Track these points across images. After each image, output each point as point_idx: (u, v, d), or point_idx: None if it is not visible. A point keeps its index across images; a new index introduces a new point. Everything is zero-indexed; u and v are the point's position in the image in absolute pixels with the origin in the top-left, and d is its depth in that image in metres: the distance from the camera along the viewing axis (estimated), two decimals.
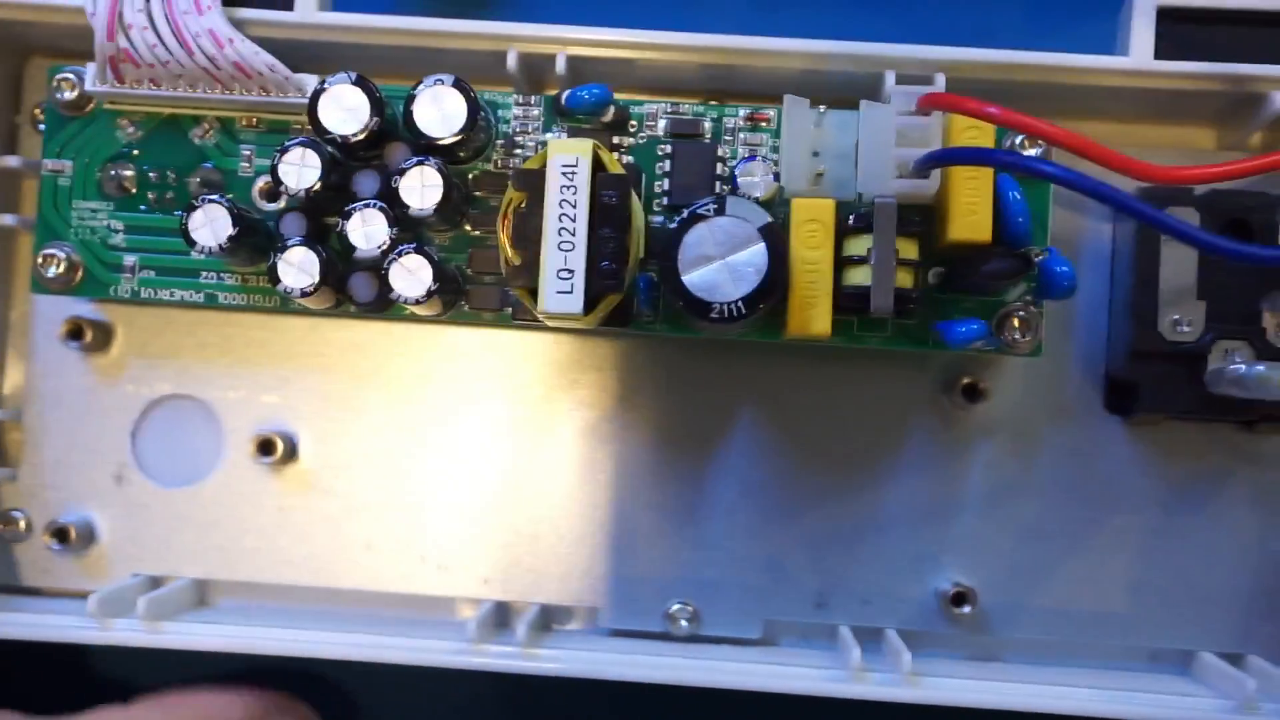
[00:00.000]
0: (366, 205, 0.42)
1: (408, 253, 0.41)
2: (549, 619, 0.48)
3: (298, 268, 0.42)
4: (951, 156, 0.39)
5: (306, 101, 0.43)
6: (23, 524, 0.48)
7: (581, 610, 0.48)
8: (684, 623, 0.47)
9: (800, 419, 0.47)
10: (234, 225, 0.42)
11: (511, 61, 0.44)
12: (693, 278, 0.39)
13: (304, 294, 0.42)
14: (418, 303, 0.42)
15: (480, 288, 0.44)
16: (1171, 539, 0.47)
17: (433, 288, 0.41)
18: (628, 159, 0.44)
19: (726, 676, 0.44)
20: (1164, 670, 0.47)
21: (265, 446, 0.47)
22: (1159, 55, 0.44)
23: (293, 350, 0.48)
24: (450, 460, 0.47)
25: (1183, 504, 0.47)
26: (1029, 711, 0.43)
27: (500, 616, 0.47)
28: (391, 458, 0.47)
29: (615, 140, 0.44)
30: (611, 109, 0.44)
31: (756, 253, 0.39)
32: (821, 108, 0.42)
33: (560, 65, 0.44)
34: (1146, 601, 0.47)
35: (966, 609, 0.46)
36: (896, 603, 0.47)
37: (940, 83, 0.43)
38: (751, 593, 0.47)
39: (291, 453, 0.47)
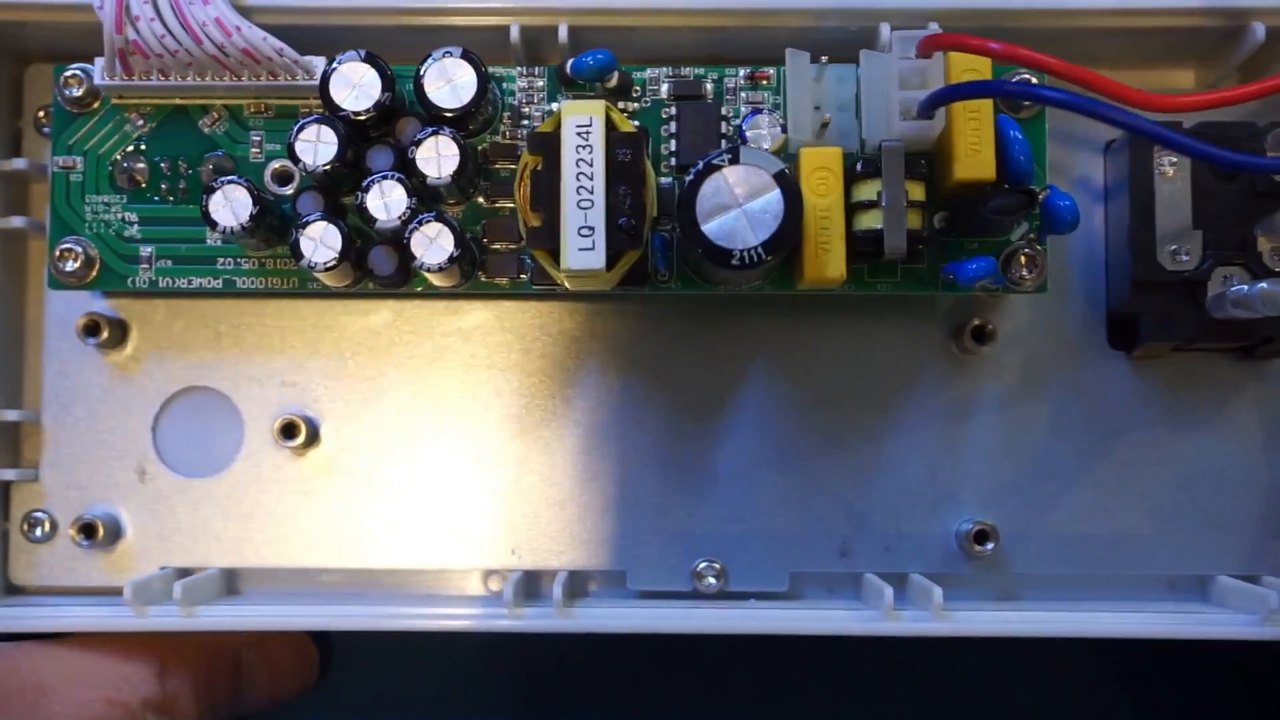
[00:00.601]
0: (385, 177, 0.42)
1: (428, 221, 0.42)
2: (578, 585, 0.48)
3: (319, 241, 0.42)
4: (956, 92, 0.40)
5: (315, 84, 0.44)
6: (47, 524, 0.48)
7: (609, 575, 0.48)
8: (711, 580, 0.47)
9: (812, 372, 0.48)
10: (254, 205, 0.42)
11: (514, 34, 0.45)
12: (711, 226, 0.40)
13: (326, 268, 0.42)
14: (440, 270, 0.42)
15: (497, 256, 0.45)
16: (1181, 467, 0.48)
17: (455, 253, 0.42)
18: (635, 123, 0.45)
19: (759, 623, 0.44)
20: (1183, 597, 0.48)
21: (288, 430, 0.47)
22: None
23: (308, 336, 0.48)
24: (470, 435, 0.48)
25: (1190, 433, 0.48)
26: (1060, 637, 0.44)
27: (530, 587, 0.48)
28: (412, 436, 0.48)
29: (620, 106, 0.45)
30: (615, 74, 0.45)
31: (773, 199, 0.40)
32: (824, 58, 0.43)
33: (562, 35, 0.45)
34: (1161, 529, 0.48)
35: (989, 546, 0.47)
36: (918, 547, 0.48)
37: (934, 30, 0.44)
38: (776, 546, 0.48)
39: (313, 437, 0.48)
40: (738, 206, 0.40)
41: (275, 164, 0.45)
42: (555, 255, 0.40)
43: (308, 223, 0.42)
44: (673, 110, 0.45)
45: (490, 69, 0.45)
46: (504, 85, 0.45)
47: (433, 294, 0.46)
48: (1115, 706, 0.52)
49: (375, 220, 0.42)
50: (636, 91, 0.45)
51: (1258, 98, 0.41)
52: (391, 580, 0.48)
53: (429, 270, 0.42)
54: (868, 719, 0.52)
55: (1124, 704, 0.52)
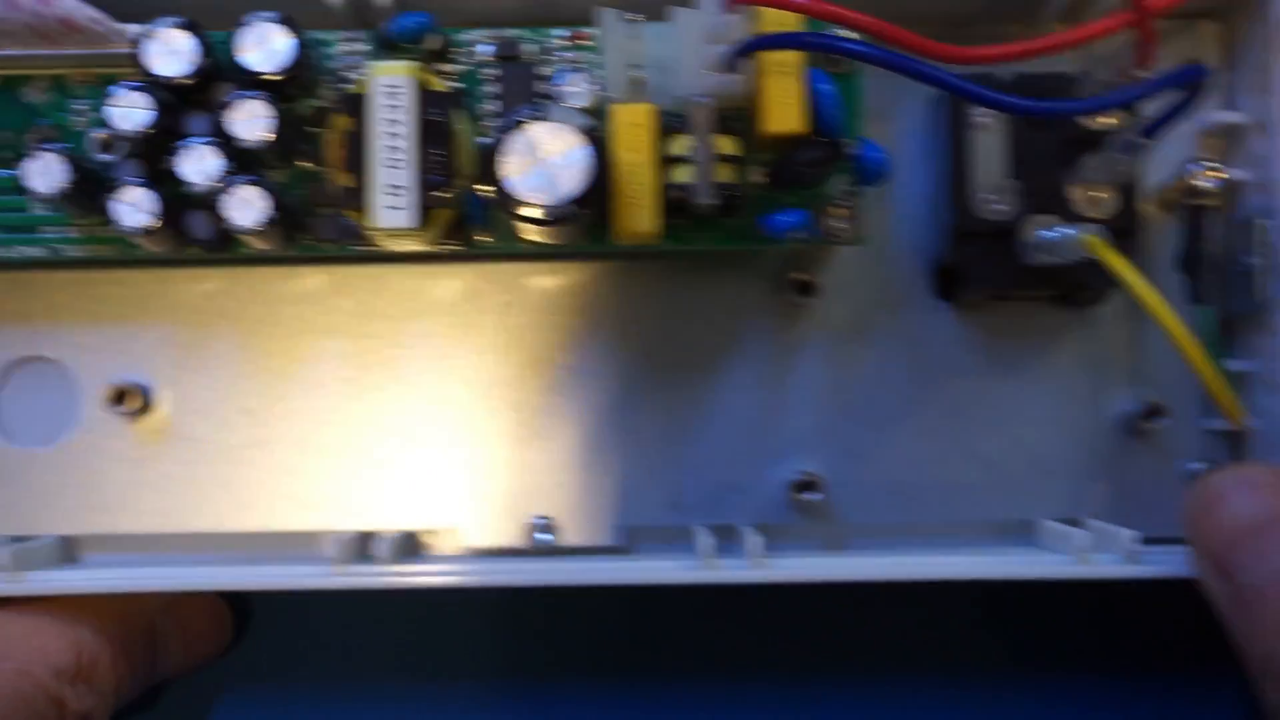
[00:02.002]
0: (199, 140, 0.43)
1: (241, 184, 0.42)
2: (414, 544, 0.49)
3: (134, 206, 0.42)
4: (758, 44, 0.41)
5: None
6: None
7: (444, 532, 0.49)
8: (544, 535, 0.48)
9: (641, 328, 0.49)
10: (71, 171, 0.43)
11: None
12: (517, 181, 0.41)
13: (144, 232, 0.42)
14: (254, 233, 0.42)
15: (321, 219, 0.45)
16: (1006, 414, 0.49)
17: (268, 215, 0.42)
18: (455, 84, 0.45)
19: (585, 575, 0.45)
20: (1011, 543, 0.49)
21: (120, 397, 0.47)
22: None
23: (143, 303, 0.48)
24: (306, 399, 0.48)
25: (1014, 380, 0.49)
26: (878, 581, 0.45)
27: (367, 546, 0.48)
28: (248, 401, 0.48)
29: (441, 68, 0.45)
30: (435, 37, 0.45)
31: (579, 153, 0.41)
32: (638, 16, 0.43)
33: None
34: (987, 476, 0.49)
35: (814, 495, 0.47)
36: (748, 498, 0.49)
37: None
38: (608, 502, 0.49)
39: (147, 404, 0.48)
40: (544, 162, 0.41)
41: (99, 133, 0.45)
42: (367, 215, 0.41)
43: (124, 187, 0.43)
44: (493, 72, 0.46)
45: (312, 34, 0.45)
46: (325, 50, 0.46)
47: (261, 258, 0.47)
48: (990, 646, 0.53)
49: (190, 184, 0.43)
50: (457, 54, 0.46)
51: (1055, 51, 0.42)
52: (230, 544, 0.49)
53: (244, 232, 0.42)
54: (736, 667, 0.53)
55: (998, 645, 0.53)
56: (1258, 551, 0.39)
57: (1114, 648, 0.54)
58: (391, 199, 0.41)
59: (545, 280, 0.49)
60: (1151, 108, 0.43)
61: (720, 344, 0.49)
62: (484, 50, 0.46)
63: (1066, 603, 0.54)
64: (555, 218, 0.41)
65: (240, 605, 0.52)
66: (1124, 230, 0.45)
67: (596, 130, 0.41)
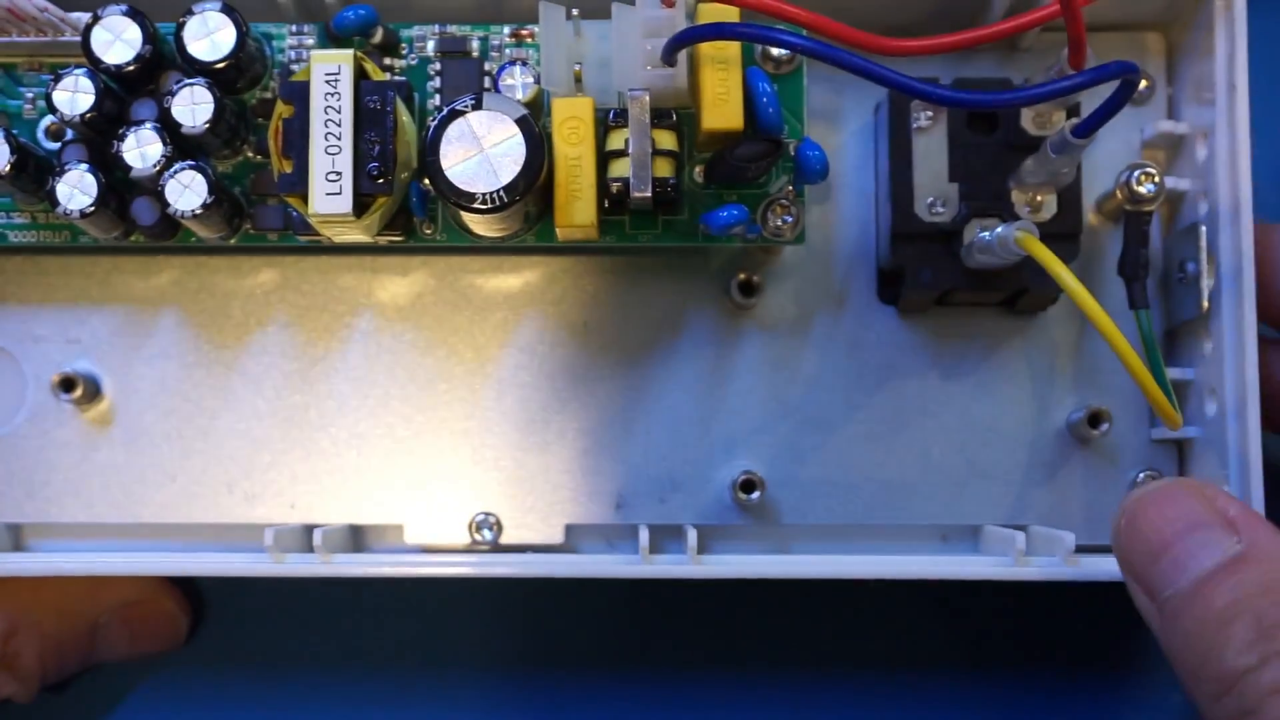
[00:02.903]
0: (141, 126, 0.43)
1: (183, 169, 0.43)
2: (359, 539, 0.49)
3: (75, 188, 0.43)
4: (691, 35, 0.41)
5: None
6: None
7: (388, 528, 0.49)
8: (487, 533, 0.48)
9: (585, 327, 0.49)
10: (11, 153, 0.43)
11: None
12: (455, 170, 0.41)
13: (83, 214, 0.43)
14: (195, 216, 0.43)
15: (264, 208, 0.46)
16: (950, 419, 0.49)
17: (208, 200, 0.43)
18: (400, 79, 0.46)
19: (524, 568, 0.45)
20: (955, 549, 0.49)
21: (66, 385, 0.48)
22: None
23: (90, 291, 0.49)
24: (252, 390, 0.49)
25: (958, 385, 0.49)
26: (817, 579, 0.45)
27: (310, 539, 0.48)
28: (194, 391, 0.49)
29: (388, 62, 0.46)
30: (380, 30, 0.45)
31: (515, 142, 0.41)
32: (574, 11, 0.44)
33: None
34: (930, 480, 0.49)
35: (755, 495, 0.47)
36: (691, 498, 0.49)
37: None
38: (552, 500, 0.49)
39: (95, 392, 0.48)
40: (481, 151, 0.41)
41: (47, 120, 0.46)
42: (307, 201, 0.41)
43: (65, 170, 0.43)
44: (438, 66, 0.46)
45: (262, 27, 0.46)
46: (274, 43, 0.46)
47: (207, 248, 0.47)
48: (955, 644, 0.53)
49: (131, 168, 0.43)
50: (404, 49, 0.46)
51: (988, 39, 0.42)
52: (175, 534, 0.49)
53: (184, 217, 0.43)
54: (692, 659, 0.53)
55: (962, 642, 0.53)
56: (1175, 563, 0.39)
57: (1057, 648, 0.53)
58: (330, 185, 0.41)
59: (491, 279, 0.49)
60: (1086, 110, 0.43)
61: (665, 344, 0.49)
62: (430, 45, 0.46)
63: (1018, 605, 0.53)
64: (495, 206, 0.41)
65: (194, 607, 0.52)
66: (1066, 234, 0.46)
67: (530, 118, 0.41)
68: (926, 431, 0.49)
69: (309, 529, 0.47)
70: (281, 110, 0.42)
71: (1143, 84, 0.49)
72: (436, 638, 0.53)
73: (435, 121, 0.41)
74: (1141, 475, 0.49)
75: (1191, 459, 0.48)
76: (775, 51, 0.45)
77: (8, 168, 0.43)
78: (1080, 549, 0.45)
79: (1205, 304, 0.46)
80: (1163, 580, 0.39)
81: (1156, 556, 0.39)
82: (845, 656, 0.53)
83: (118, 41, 0.43)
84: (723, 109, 0.43)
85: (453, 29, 0.46)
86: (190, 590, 0.52)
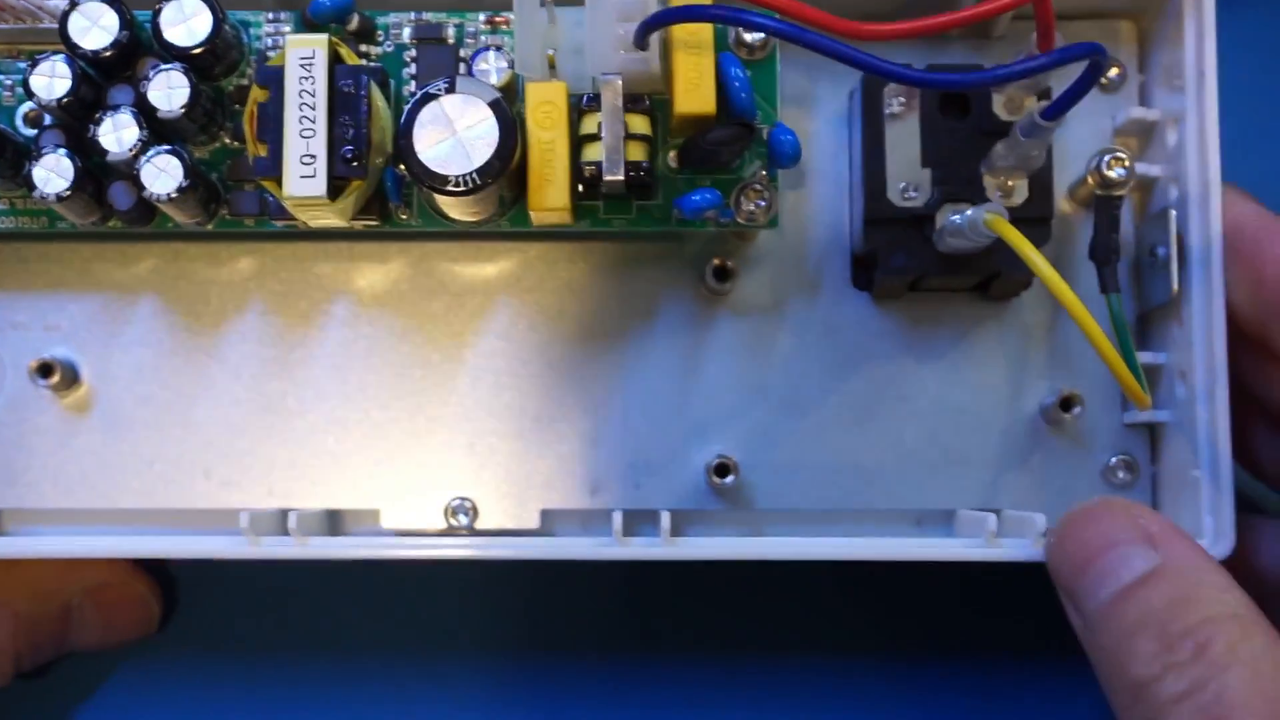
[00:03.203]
0: (117, 110, 0.43)
1: (159, 154, 0.43)
2: (336, 525, 0.49)
3: (51, 171, 0.43)
4: (664, 16, 0.41)
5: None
6: None
7: (364, 513, 0.49)
8: (463, 517, 0.48)
9: (560, 312, 0.49)
10: None
11: None
12: (428, 153, 0.41)
13: (60, 198, 0.43)
14: (171, 200, 0.43)
15: (240, 194, 0.46)
16: (923, 405, 0.49)
17: (184, 184, 0.43)
18: (375, 64, 0.46)
19: (498, 550, 0.45)
20: (928, 534, 0.49)
21: (44, 370, 0.48)
22: None
23: (68, 279, 0.49)
24: (229, 376, 0.49)
25: (931, 371, 0.49)
26: (789, 560, 0.45)
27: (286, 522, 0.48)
28: (172, 377, 0.49)
29: (364, 49, 0.46)
30: (356, 18, 0.46)
31: (488, 125, 0.42)
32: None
33: None
34: (904, 465, 0.49)
35: (730, 479, 0.48)
36: (666, 482, 0.49)
37: None
38: (527, 486, 0.49)
39: (73, 378, 0.48)
40: (454, 134, 0.42)
41: (26, 108, 0.46)
42: (281, 185, 0.42)
43: (41, 154, 0.43)
44: (414, 53, 0.46)
45: (240, 14, 0.46)
46: (251, 30, 0.46)
47: (184, 234, 0.47)
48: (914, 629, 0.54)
49: (107, 152, 0.43)
50: (380, 36, 0.46)
51: (958, 24, 0.42)
52: (152, 520, 0.49)
53: (160, 201, 0.43)
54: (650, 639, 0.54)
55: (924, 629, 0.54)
56: (1097, 577, 0.40)
57: (1031, 632, 0.54)
58: (304, 168, 0.41)
59: (467, 265, 0.49)
60: (1054, 93, 0.44)
61: (639, 329, 0.49)
62: (406, 32, 0.46)
63: (994, 589, 0.54)
64: (468, 188, 0.41)
65: (167, 593, 0.53)
66: (1037, 219, 0.46)
67: (503, 101, 0.41)
68: (900, 416, 0.49)
69: (285, 513, 0.47)
70: (257, 95, 0.42)
71: (1114, 71, 0.50)
72: (413, 623, 0.53)
73: (409, 105, 0.42)
74: (1114, 459, 0.49)
75: (1163, 443, 0.48)
76: (748, 38, 0.45)
77: None
78: None
79: (1175, 288, 0.46)
80: (1086, 595, 0.41)
81: (1081, 571, 0.41)
82: (820, 640, 0.54)
83: (95, 28, 0.44)
84: (695, 93, 0.43)
85: (428, 16, 0.46)
86: (163, 576, 0.52)
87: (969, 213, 0.43)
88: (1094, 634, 0.40)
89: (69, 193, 0.43)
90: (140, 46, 0.45)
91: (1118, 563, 0.40)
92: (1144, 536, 0.40)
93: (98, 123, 0.43)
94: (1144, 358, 0.47)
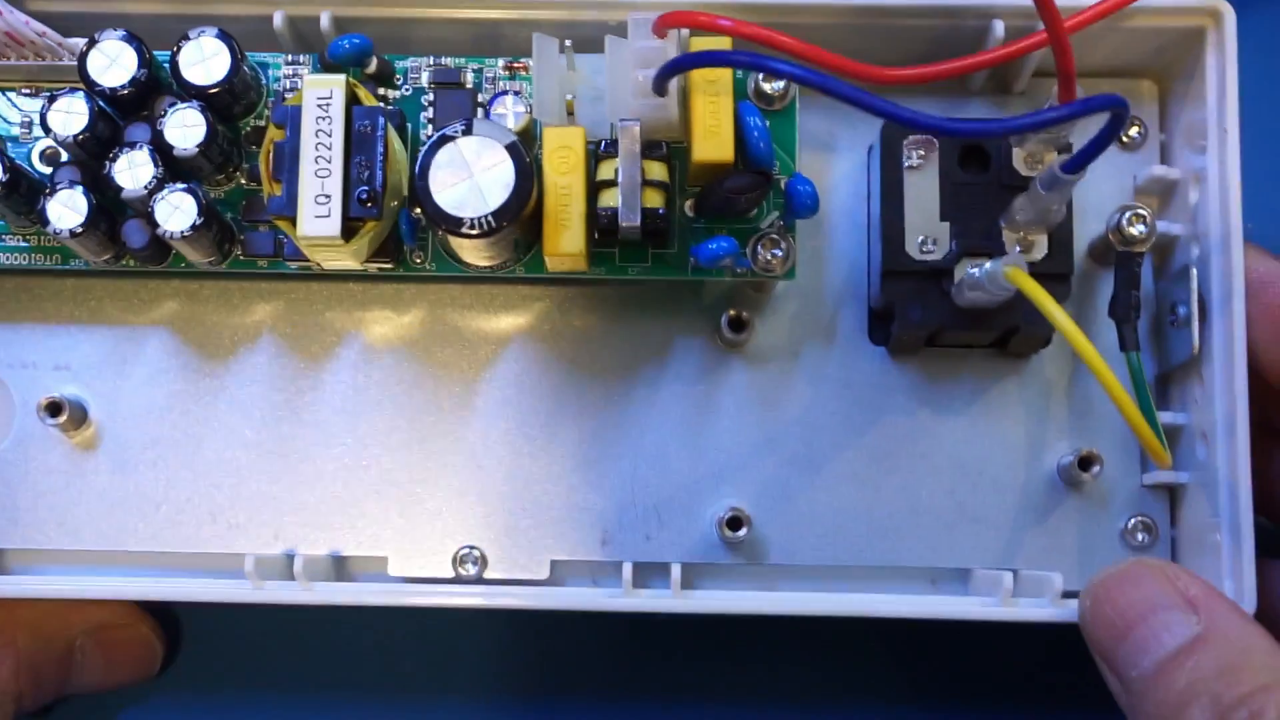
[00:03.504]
0: (134, 147, 0.43)
1: (174, 191, 0.43)
2: (342, 571, 0.49)
3: (65, 206, 0.43)
4: (681, 64, 0.41)
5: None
6: None
7: (372, 560, 0.49)
8: (471, 567, 0.48)
9: (574, 362, 0.49)
10: (4, 173, 0.43)
11: (278, 21, 0.46)
12: (444, 195, 0.41)
13: (73, 234, 0.43)
14: (185, 238, 0.43)
15: (254, 234, 0.46)
16: (940, 462, 0.49)
17: (198, 222, 0.43)
18: (393, 107, 0.46)
19: (508, 601, 0.45)
20: (944, 590, 0.49)
21: (53, 409, 0.47)
22: None
23: (80, 317, 0.49)
24: (241, 420, 0.49)
25: (949, 428, 0.49)
26: (799, 615, 0.45)
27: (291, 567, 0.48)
28: (182, 419, 0.48)
29: (382, 92, 0.46)
30: (375, 60, 0.46)
31: (505, 168, 0.41)
32: (568, 41, 0.44)
33: (325, 23, 0.46)
34: (919, 523, 0.48)
35: (742, 532, 0.47)
36: (677, 535, 0.48)
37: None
38: (537, 536, 0.48)
39: (82, 417, 0.48)
40: (471, 177, 0.41)
41: (43, 145, 0.46)
42: (295, 224, 0.41)
43: (56, 189, 0.43)
44: (432, 97, 0.46)
45: (259, 55, 0.46)
46: (270, 71, 0.46)
47: (196, 273, 0.47)
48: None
49: (122, 189, 0.43)
50: (398, 80, 0.46)
51: (975, 68, 0.43)
52: (158, 562, 0.48)
53: (173, 238, 0.43)
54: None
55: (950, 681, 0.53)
56: (1138, 645, 0.40)
57: (1046, 691, 0.53)
58: (319, 208, 0.41)
59: (480, 311, 0.49)
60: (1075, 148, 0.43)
61: (653, 379, 0.49)
62: (425, 76, 0.46)
63: (1008, 649, 0.53)
64: (483, 231, 0.41)
65: (170, 634, 0.52)
66: (1057, 275, 0.46)
67: (519, 144, 0.41)
68: (916, 472, 0.49)
69: (291, 558, 0.47)
70: (273, 134, 0.42)
71: (1134, 129, 0.50)
72: (418, 670, 0.53)
73: (426, 146, 0.41)
74: (1133, 520, 0.48)
75: (1182, 504, 0.48)
76: (767, 88, 0.45)
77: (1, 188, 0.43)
78: (1069, 594, 0.44)
79: (1196, 346, 0.46)
80: (1127, 662, 0.40)
81: (1121, 639, 0.40)
82: (830, 696, 0.53)
83: (114, 65, 0.44)
84: (713, 141, 0.43)
85: (447, 60, 0.46)
86: (167, 617, 0.52)
87: (988, 265, 0.43)
88: (1138, 701, 0.39)
89: (82, 229, 0.43)
90: (159, 85, 0.45)
91: (1159, 629, 0.39)
92: (1184, 600, 0.40)
93: (113, 159, 0.43)
94: (1164, 417, 0.47)
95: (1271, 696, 0.36)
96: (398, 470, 0.48)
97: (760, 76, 0.45)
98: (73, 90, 0.44)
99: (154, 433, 0.48)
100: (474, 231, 0.41)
